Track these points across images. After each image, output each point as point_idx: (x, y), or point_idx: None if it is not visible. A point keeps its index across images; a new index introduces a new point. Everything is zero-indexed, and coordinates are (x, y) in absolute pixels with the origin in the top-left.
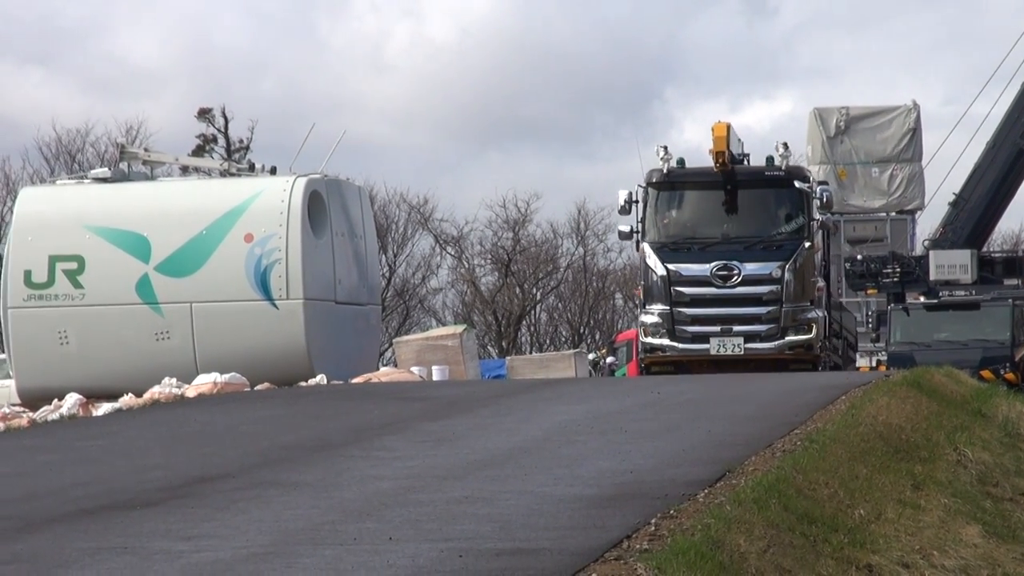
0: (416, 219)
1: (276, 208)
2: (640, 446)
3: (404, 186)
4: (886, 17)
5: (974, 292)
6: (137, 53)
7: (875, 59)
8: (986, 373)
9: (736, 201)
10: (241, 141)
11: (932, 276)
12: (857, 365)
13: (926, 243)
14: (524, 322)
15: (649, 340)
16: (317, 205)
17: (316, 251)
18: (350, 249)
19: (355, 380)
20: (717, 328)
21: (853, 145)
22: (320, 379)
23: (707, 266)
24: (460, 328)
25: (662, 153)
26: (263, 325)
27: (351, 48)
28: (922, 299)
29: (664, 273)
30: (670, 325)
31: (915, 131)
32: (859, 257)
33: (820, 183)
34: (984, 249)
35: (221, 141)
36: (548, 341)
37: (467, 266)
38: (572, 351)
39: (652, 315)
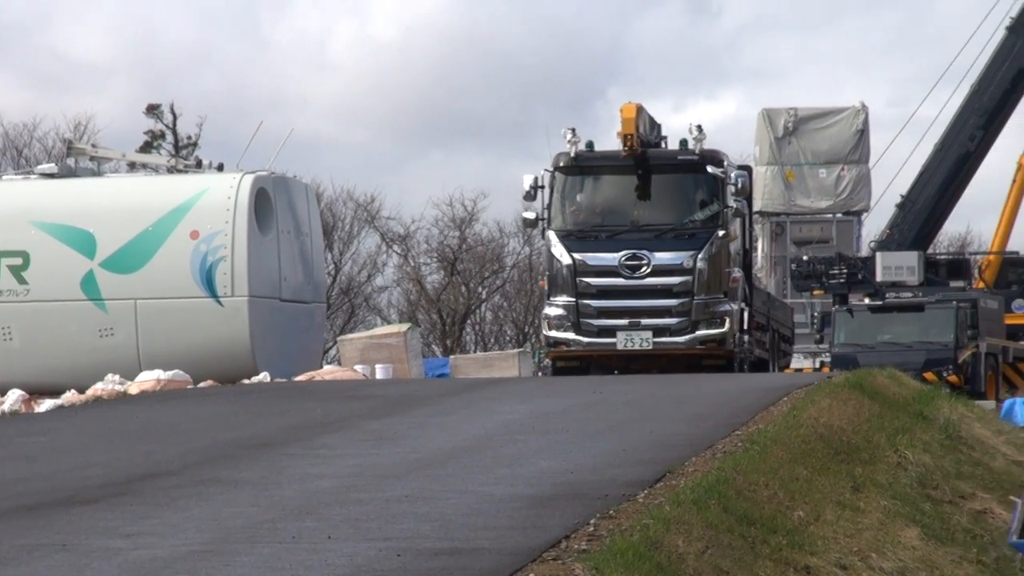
0: (362, 217)
1: (223, 205)
2: (581, 446)
3: (351, 183)
4: (830, 19)
5: (921, 294)
6: (80, 48)
7: (820, 61)
8: (929, 375)
9: (647, 187)
10: (189, 137)
11: (879, 277)
12: (799, 365)
13: (872, 244)
14: (469, 321)
15: (553, 334)
16: (264, 202)
17: (262, 248)
18: (296, 247)
19: (299, 378)
20: (625, 321)
21: (801, 146)
22: (264, 377)
23: (615, 255)
24: (404, 327)
25: (569, 136)
26: (207, 322)
27: (295, 45)
28: (866, 300)
29: (570, 263)
30: (575, 318)
31: (863, 132)
32: (805, 258)
33: (738, 167)
34: (930, 251)
35: (169, 137)
36: (493, 340)
37: (413, 264)
38: (516, 350)
39: (556, 307)
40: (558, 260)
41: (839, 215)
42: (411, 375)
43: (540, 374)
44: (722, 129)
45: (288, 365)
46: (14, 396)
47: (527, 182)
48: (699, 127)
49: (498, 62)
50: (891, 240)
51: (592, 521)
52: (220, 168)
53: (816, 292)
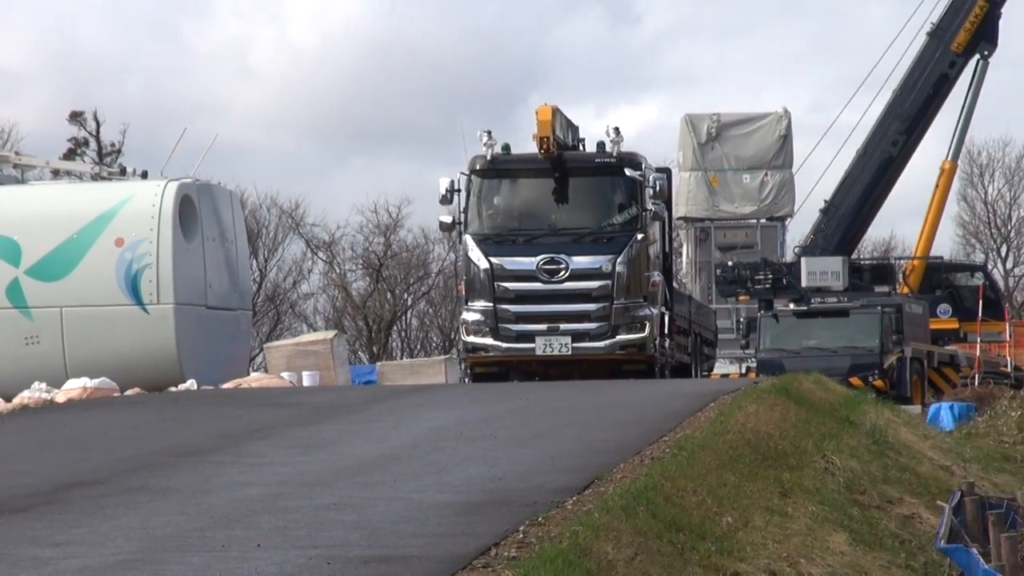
0: (287, 223)
1: (147, 212)
2: (509, 453)
3: (275, 190)
4: (751, 25)
5: (846, 299)
6: None
7: (740, 67)
8: (855, 380)
9: (565, 190)
10: (112, 145)
11: (804, 283)
12: (725, 371)
13: (796, 250)
14: (395, 328)
15: (471, 339)
16: (188, 209)
17: (187, 255)
18: (221, 254)
19: (225, 385)
20: (543, 326)
21: (724, 151)
22: (190, 384)
23: (533, 260)
24: (331, 334)
25: (485, 138)
26: (133, 330)
27: (215, 53)
28: (792, 306)
29: (487, 267)
30: (493, 323)
31: (786, 138)
32: (730, 263)
33: (656, 170)
34: (854, 256)
35: (93, 145)
36: (419, 347)
37: (338, 271)
38: (443, 357)
39: (474, 312)
40: (475, 264)
41: (763, 220)
42: (338, 382)
43: (467, 380)
44: (644, 135)
45: (215, 372)
46: None
47: (443, 185)
48: (616, 129)
49: (420, 69)
50: (815, 245)
51: (521, 528)
52: (144, 175)
53: (742, 297)
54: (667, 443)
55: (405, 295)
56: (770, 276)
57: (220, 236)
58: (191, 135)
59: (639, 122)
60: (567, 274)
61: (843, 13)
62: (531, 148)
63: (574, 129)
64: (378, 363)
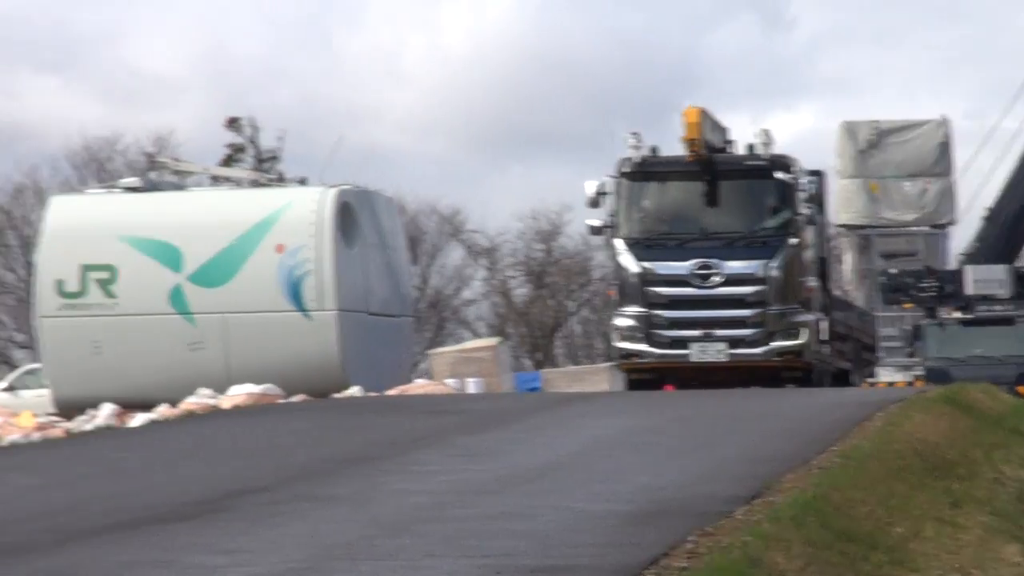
0: (447, 230)
1: (307, 219)
2: (677, 461)
3: (434, 196)
4: (905, 32)
5: (1011, 307)
6: (153, 61)
7: (895, 73)
8: (1022, 389)
9: (715, 193)
10: (270, 151)
11: (969, 291)
12: (891, 379)
13: (960, 257)
14: (558, 334)
15: (624, 345)
16: (348, 216)
17: (348, 262)
18: (381, 260)
19: (390, 392)
20: (698, 332)
21: (884, 158)
22: (355, 391)
23: (685, 264)
24: (495, 341)
25: (633, 141)
26: (296, 336)
27: (368, 58)
28: (957, 314)
29: (638, 271)
30: (646, 329)
31: (946, 145)
32: (894, 271)
33: (808, 173)
34: (1019, 263)
35: (250, 151)
36: (583, 353)
37: (499, 278)
38: (607, 364)
39: (627, 318)
40: (626, 269)
41: (925, 228)
42: (502, 389)
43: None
44: (800, 141)
45: (378, 379)
46: (107, 410)
47: (590, 189)
48: (766, 131)
49: (572, 75)
50: (979, 253)
51: (691, 538)
52: (303, 182)
53: (906, 305)
54: (834, 452)
55: (567, 301)
56: (934, 284)
57: (380, 242)
58: (347, 141)
59: (794, 128)
60: (721, 279)
61: (999, 19)
62: (680, 151)
63: (723, 131)
64: (542, 370)
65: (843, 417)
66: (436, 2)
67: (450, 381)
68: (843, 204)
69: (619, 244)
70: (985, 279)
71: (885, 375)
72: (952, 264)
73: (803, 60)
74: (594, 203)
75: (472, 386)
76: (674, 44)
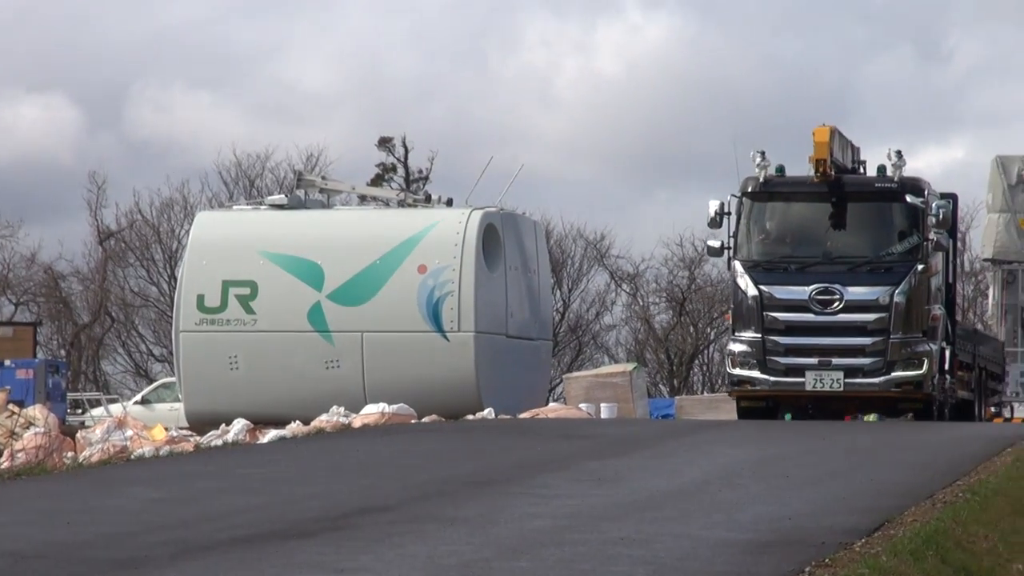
0: (592, 255)
1: (451, 240)
2: (800, 492)
3: (581, 221)
4: None
5: None
6: (306, 79)
7: None
8: None
9: (841, 215)
10: (420, 171)
11: None
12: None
13: None
14: (697, 361)
15: (737, 372)
16: (492, 238)
17: (489, 284)
18: (523, 283)
19: (523, 415)
20: (814, 360)
21: None
22: (488, 413)
23: (805, 289)
24: (630, 366)
25: (759, 159)
26: (433, 357)
27: (520, 80)
28: None
29: (756, 295)
30: (761, 355)
31: None
32: None
33: (940, 196)
34: None
35: (400, 171)
36: (720, 381)
37: (641, 303)
38: None
39: (741, 343)
40: (743, 292)
41: None
42: (636, 415)
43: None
44: (951, 174)
45: (513, 401)
46: (239, 426)
47: (713, 208)
48: (899, 152)
49: (723, 102)
50: None
51: (807, 569)
52: (449, 203)
53: None
54: (960, 487)
55: (708, 329)
56: None
57: (523, 266)
58: (495, 163)
59: (946, 161)
60: (841, 305)
61: None
62: (807, 171)
63: (855, 150)
64: (677, 397)
65: (973, 452)
66: (591, 26)
67: (584, 405)
68: (990, 238)
69: (738, 266)
70: None
71: (1021, 411)
72: None
73: (957, 93)
74: (715, 223)
75: (605, 411)
76: (829, 73)
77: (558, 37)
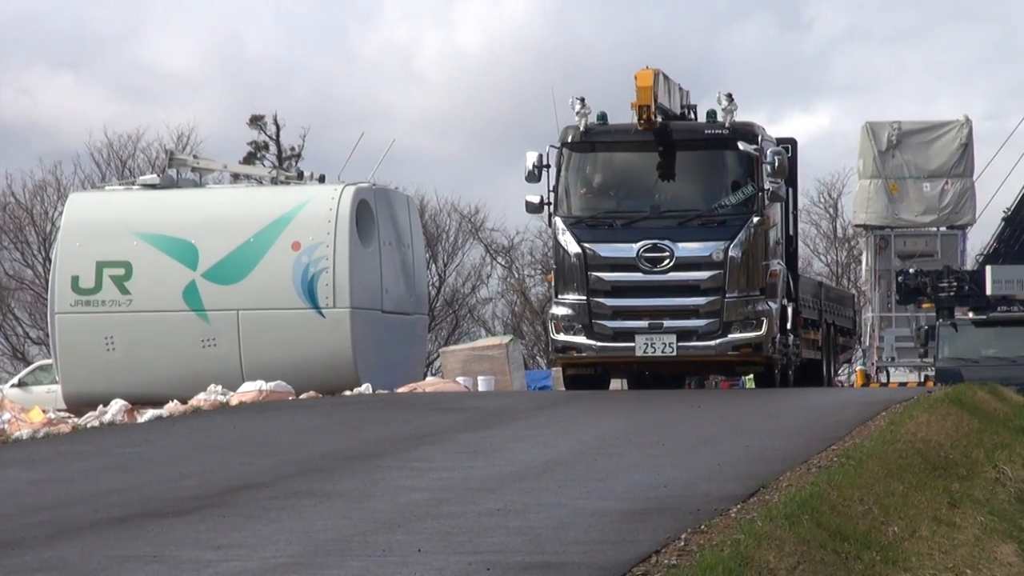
0: (467, 229)
1: (324, 216)
2: (676, 460)
3: (455, 195)
4: (924, 32)
5: None
6: (169, 60)
7: (913, 73)
8: None
9: (669, 166)
10: (292, 149)
11: (988, 291)
12: (903, 380)
13: (979, 258)
14: None
15: (561, 338)
16: (365, 214)
17: (363, 260)
18: (398, 258)
19: (400, 390)
20: (644, 323)
21: (905, 159)
22: (365, 388)
23: (633, 246)
24: (507, 338)
25: (578, 107)
26: (309, 333)
27: (382, 57)
28: (970, 315)
29: (579, 254)
30: (587, 319)
31: (967, 146)
32: (912, 271)
33: (776, 142)
34: None
35: (272, 149)
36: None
37: (517, 276)
38: None
39: (565, 307)
40: (565, 251)
41: (943, 229)
42: (513, 387)
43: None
44: (817, 142)
45: (390, 376)
46: (116, 406)
47: (530, 160)
48: (729, 96)
49: (585, 73)
50: (998, 254)
51: (683, 536)
52: (322, 180)
53: (925, 305)
54: (835, 452)
55: None
56: (954, 284)
57: (397, 241)
58: (367, 140)
59: (812, 129)
60: (672, 263)
61: (1017, 20)
62: (631, 118)
63: (683, 94)
64: (553, 368)
65: (847, 417)
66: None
67: (461, 379)
68: (862, 204)
69: (559, 223)
70: (1005, 279)
71: (898, 376)
72: (969, 265)
73: (820, 60)
74: (533, 176)
75: (482, 384)
76: (690, 44)
77: (418, 12)
